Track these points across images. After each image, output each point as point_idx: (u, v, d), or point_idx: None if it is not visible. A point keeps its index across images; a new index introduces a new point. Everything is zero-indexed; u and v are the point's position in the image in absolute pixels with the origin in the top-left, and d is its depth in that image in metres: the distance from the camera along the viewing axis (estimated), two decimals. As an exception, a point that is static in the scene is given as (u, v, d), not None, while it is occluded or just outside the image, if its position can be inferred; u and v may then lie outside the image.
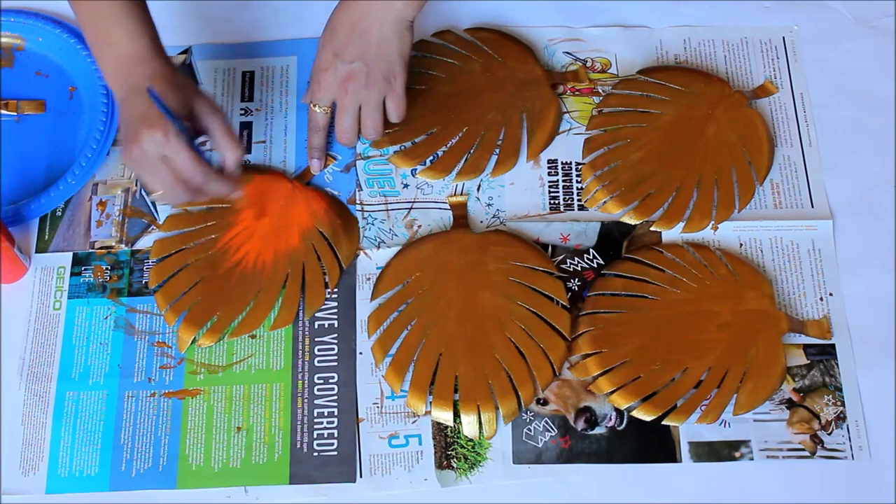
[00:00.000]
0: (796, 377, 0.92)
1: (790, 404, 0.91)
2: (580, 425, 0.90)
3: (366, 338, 0.94)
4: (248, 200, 0.97)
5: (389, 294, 0.95)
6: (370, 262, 0.98)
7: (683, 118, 1.03)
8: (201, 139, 0.87)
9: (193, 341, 0.93)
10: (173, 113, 0.81)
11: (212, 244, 0.97)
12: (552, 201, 1.00)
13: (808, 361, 0.92)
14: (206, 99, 0.86)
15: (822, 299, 0.95)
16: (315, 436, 0.91)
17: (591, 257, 0.97)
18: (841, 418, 0.90)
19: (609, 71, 1.07)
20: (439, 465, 0.89)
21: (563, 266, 0.97)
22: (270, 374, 0.93)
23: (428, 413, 0.91)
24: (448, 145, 1.02)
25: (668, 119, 1.03)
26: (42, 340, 0.95)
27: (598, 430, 0.90)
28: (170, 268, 0.96)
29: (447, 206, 1.00)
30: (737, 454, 0.89)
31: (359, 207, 1.00)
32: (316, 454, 0.90)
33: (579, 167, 1.02)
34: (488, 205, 1.00)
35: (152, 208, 1.00)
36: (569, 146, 1.03)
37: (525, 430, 0.90)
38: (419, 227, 0.99)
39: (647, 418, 0.89)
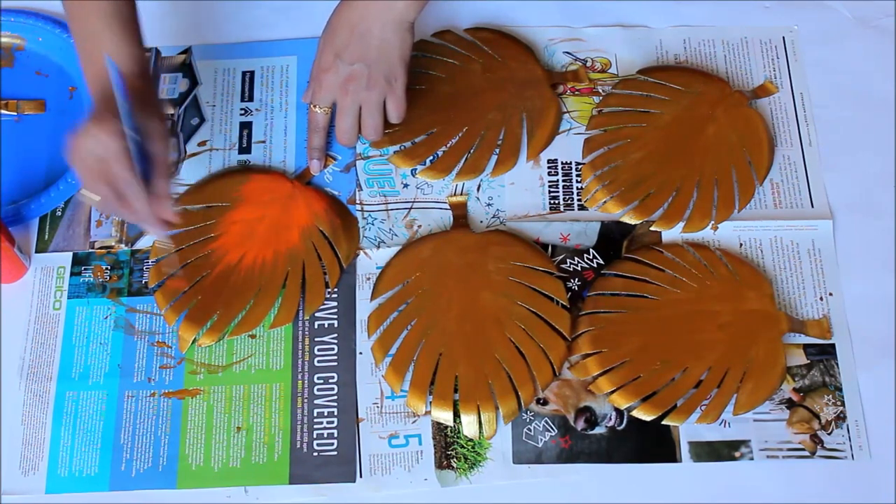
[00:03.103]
0: (796, 377, 0.92)
1: (790, 404, 0.91)
2: (580, 425, 0.90)
3: (366, 338, 0.94)
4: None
5: (389, 294, 0.95)
6: (370, 261, 0.98)
7: (683, 118, 1.03)
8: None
9: (194, 341, 0.93)
10: (130, 111, 0.80)
11: (211, 242, 0.97)
12: (552, 201, 1.00)
13: (808, 361, 0.92)
14: (161, 127, 0.84)
15: (822, 299, 0.95)
16: (315, 436, 0.91)
17: (591, 257, 0.97)
18: (841, 418, 0.90)
19: (609, 71, 1.07)
20: (439, 465, 0.89)
21: (563, 266, 0.97)
22: (270, 374, 0.93)
23: (428, 413, 0.91)
24: (448, 145, 1.02)
25: (669, 119, 1.03)
26: (42, 340, 0.95)
27: (598, 430, 0.90)
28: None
29: (447, 206, 1.00)
30: (737, 454, 0.89)
31: (359, 207, 1.00)
32: (316, 454, 0.90)
33: (579, 167, 1.02)
34: (488, 205, 1.00)
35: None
36: (569, 146, 1.03)
37: (525, 429, 0.90)
38: (419, 227, 0.99)
39: (647, 418, 0.89)
